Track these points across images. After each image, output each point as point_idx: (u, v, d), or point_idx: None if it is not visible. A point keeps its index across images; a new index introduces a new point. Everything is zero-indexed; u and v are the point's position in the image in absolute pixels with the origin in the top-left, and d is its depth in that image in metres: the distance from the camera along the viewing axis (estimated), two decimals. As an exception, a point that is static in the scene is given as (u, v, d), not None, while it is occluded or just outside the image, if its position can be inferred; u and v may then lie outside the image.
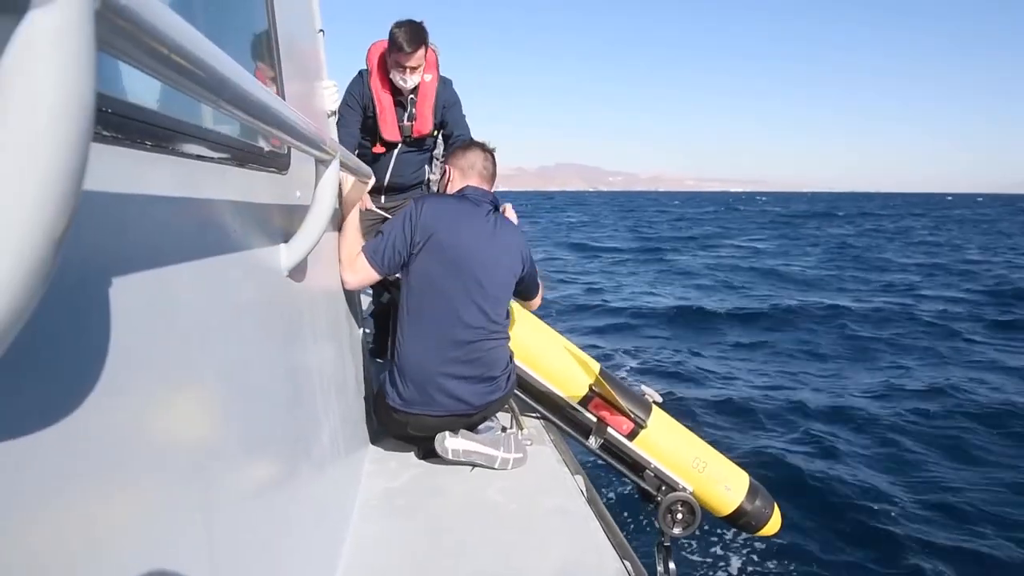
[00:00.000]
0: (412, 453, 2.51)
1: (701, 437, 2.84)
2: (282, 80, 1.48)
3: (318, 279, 1.85)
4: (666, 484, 2.68)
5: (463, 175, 2.51)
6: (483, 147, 2.60)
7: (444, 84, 3.27)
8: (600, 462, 2.83)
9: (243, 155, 1.15)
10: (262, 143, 1.22)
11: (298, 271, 1.47)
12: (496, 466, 2.35)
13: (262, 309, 1.23)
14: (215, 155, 1.02)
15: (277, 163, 1.35)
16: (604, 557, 1.77)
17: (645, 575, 1.74)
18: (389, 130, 3.24)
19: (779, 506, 2.83)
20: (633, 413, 2.65)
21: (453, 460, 2.33)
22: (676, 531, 2.67)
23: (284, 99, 1.45)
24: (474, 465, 2.38)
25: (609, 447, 2.74)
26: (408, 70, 3.05)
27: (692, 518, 2.65)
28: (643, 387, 2.80)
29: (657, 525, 2.71)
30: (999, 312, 12.44)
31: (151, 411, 0.75)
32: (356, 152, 3.17)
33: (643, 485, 2.72)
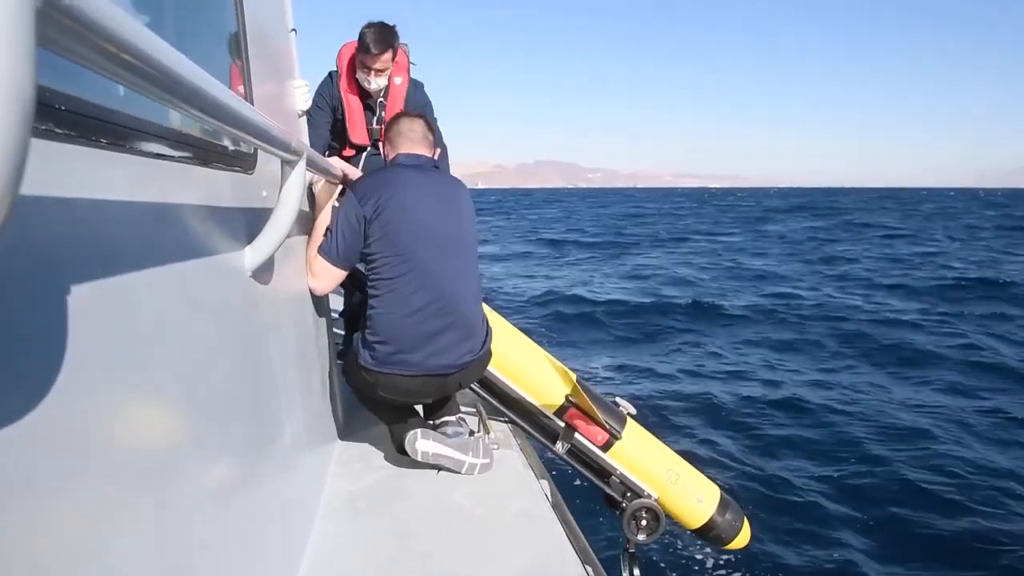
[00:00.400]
0: (379, 455, 2.49)
1: (669, 445, 2.87)
2: (250, 79, 1.48)
3: (285, 281, 1.84)
4: (631, 491, 2.70)
5: (393, 146, 2.47)
6: (407, 113, 2.59)
7: (415, 87, 3.26)
8: (568, 468, 2.84)
9: (206, 154, 1.14)
10: (227, 142, 1.21)
11: (263, 272, 1.46)
12: (463, 471, 2.35)
13: (223, 310, 1.23)
14: (176, 154, 1.01)
15: (242, 163, 1.34)
16: (567, 562, 1.78)
17: None
18: (358, 133, 3.23)
19: (748, 519, 2.87)
20: (608, 424, 2.66)
21: (421, 462, 2.32)
22: (640, 537, 2.69)
23: (252, 97, 1.44)
24: (440, 468, 2.37)
25: (576, 453, 2.75)
26: (374, 72, 3.02)
27: (656, 524, 2.67)
28: (617, 399, 2.81)
29: (621, 531, 2.73)
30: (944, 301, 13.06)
31: (105, 412, 0.74)
32: (326, 154, 3.15)
33: (608, 491, 2.73)
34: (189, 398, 1.01)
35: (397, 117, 2.55)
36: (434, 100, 3.33)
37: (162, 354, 0.91)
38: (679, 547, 4.46)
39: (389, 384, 2.30)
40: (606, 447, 2.68)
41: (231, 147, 1.25)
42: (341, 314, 3.67)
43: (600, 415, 2.63)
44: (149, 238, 0.91)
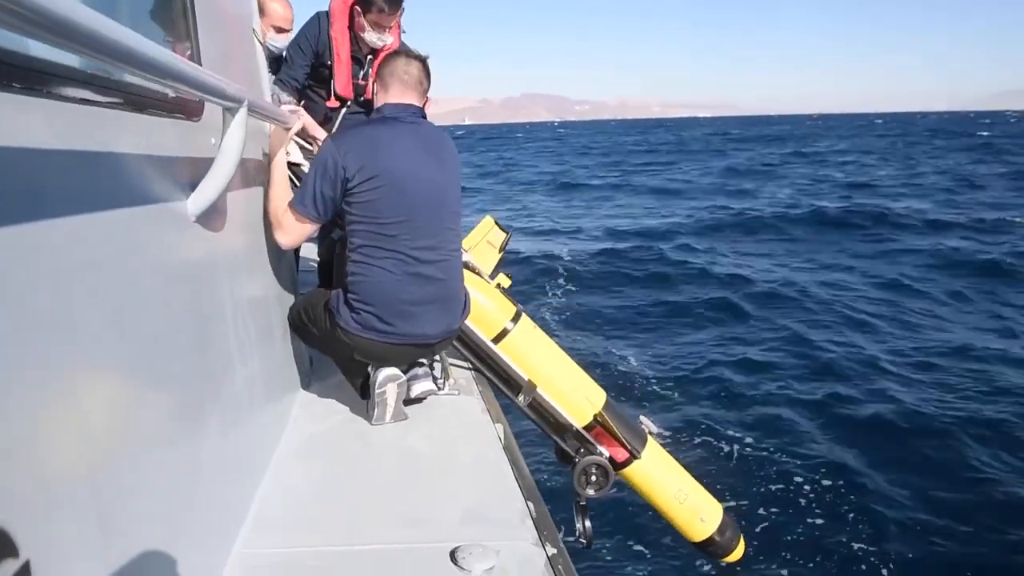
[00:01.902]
0: (342, 400, 2.52)
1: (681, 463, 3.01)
2: (196, 25, 1.43)
3: (240, 229, 1.83)
4: (585, 447, 2.76)
5: (384, 88, 2.33)
6: (407, 53, 2.45)
7: (402, 47, 3.15)
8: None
9: (141, 100, 1.11)
10: (167, 89, 1.17)
11: (211, 220, 1.45)
12: (417, 392, 2.46)
13: (164, 256, 1.22)
14: (108, 100, 0.97)
15: (185, 110, 1.31)
16: (511, 499, 1.84)
17: (548, 516, 1.81)
18: (344, 84, 3.13)
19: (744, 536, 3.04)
20: (630, 444, 2.79)
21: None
22: (590, 492, 2.77)
23: (199, 43, 1.41)
24: (406, 403, 2.43)
25: (536, 406, 2.79)
26: (387, 30, 2.99)
27: (605, 481, 2.75)
28: (642, 418, 2.94)
29: (572, 485, 2.80)
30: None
31: (31, 361, 0.75)
32: (302, 103, 3.09)
33: (563, 446, 2.79)
34: (122, 342, 1.01)
35: (395, 55, 2.41)
36: (416, 36, 3.48)
37: (93, 300, 0.91)
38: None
39: (367, 348, 2.26)
40: (624, 464, 2.84)
41: (171, 94, 1.21)
42: (318, 253, 3.61)
43: (623, 435, 2.77)
44: (79, 185, 0.89)
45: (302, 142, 2.70)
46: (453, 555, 1.53)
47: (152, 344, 1.13)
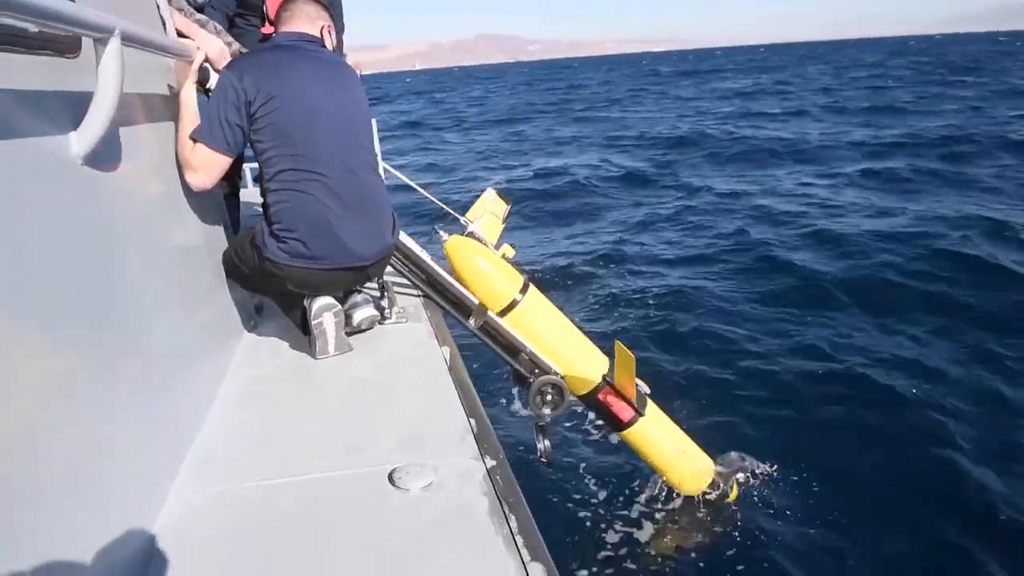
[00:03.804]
0: (288, 342, 2.44)
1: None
2: None
3: (146, 170, 1.75)
4: (539, 367, 2.75)
5: (280, 22, 2.29)
6: None
7: None
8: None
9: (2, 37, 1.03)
10: (26, 24, 1.07)
11: (104, 162, 1.38)
12: (358, 318, 2.43)
13: (47, 199, 1.16)
14: None
15: (55, 45, 1.22)
16: (453, 418, 1.83)
17: (490, 431, 1.80)
18: (276, 7, 2.87)
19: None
20: (636, 403, 2.96)
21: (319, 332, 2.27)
22: (545, 411, 2.78)
23: None
24: (353, 334, 2.39)
25: (487, 330, 2.76)
26: None
27: (560, 400, 2.76)
28: (636, 381, 2.96)
29: (527, 405, 2.81)
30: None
31: None
32: (232, 29, 2.91)
33: (517, 367, 2.78)
34: (8, 301, 0.96)
35: None
36: None
37: None
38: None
39: (300, 278, 2.19)
40: (630, 424, 3.00)
41: (32, 28, 1.11)
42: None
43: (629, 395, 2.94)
44: None
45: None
46: (391, 476, 1.54)
47: (44, 301, 1.08)
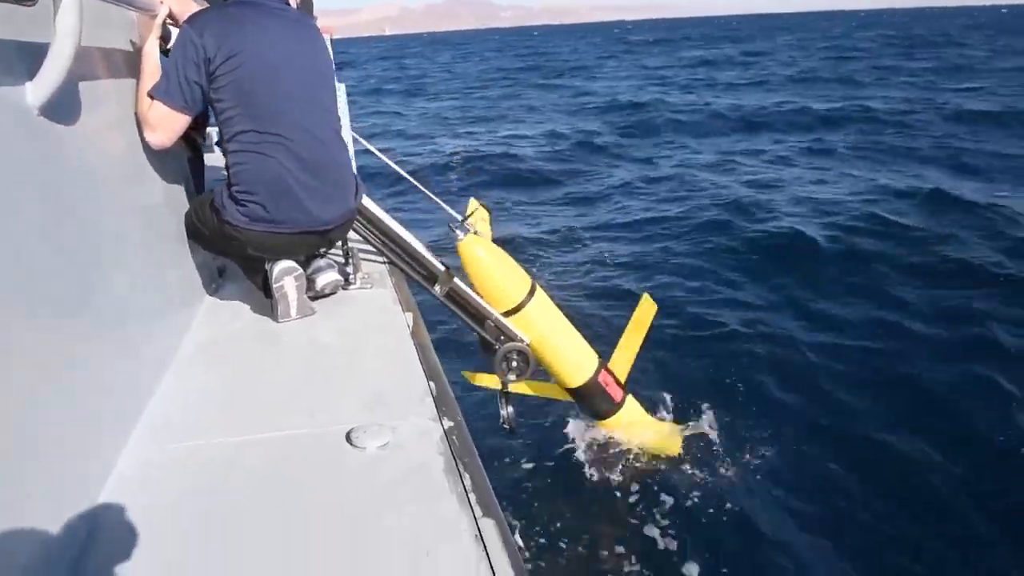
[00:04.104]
0: (250, 303, 2.41)
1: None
2: None
3: (107, 125, 1.71)
4: (505, 334, 2.78)
5: None
6: None
7: None
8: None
9: None
10: None
11: (61, 114, 1.35)
12: (321, 283, 2.42)
13: (4, 148, 1.14)
14: None
15: None
16: (413, 381, 1.85)
17: (449, 393, 1.82)
18: None
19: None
20: (624, 384, 3.31)
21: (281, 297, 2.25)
22: (511, 377, 2.82)
23: None
24: (316, 299, 2.38)
25: (454, 296, 2.76)
26: None
27: (526, 366, 2.80)
28: None
29: (494, 371, 2.86)
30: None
31: None
32: None
33: (483, 334, 2.80)
34: None
35: None
36: None
37: None
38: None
39: (259, 241, 2.15)
40: (620, 405, 3.27)
41: None
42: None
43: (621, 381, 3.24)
44: None
45: None
46: (349, 436, 1.56)
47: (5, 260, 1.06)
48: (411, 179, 3.36)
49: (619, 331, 3.57)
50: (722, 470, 3.40)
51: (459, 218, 3.02)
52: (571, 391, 3.21)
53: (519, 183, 10.11)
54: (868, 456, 3.48)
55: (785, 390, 4.14)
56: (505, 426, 2.96)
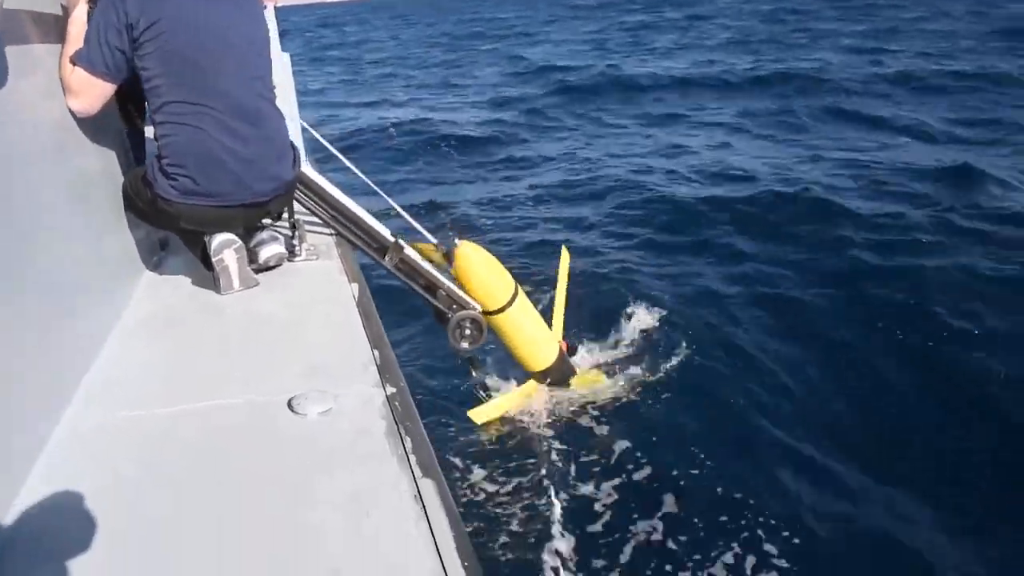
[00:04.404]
0: (191, 276, 2.34)
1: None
2: None
3: (38, 93, 1.67)
4: (457, 303, 2.78)
5: None
6: None
7: None
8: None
9: None
10: None
11: None
12: (265, 255, 2.37)
13: None
14: None
15: None
16: (357, 349, 1.85)
17: (393, 360, 1.83)
18: None
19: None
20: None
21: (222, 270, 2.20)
22: (464, 345, 2.83)
23: None
24: (260, 271, 2.34)
25: (404, 267, 2.73)
26: None
27: (479, 335, 2.82)
28: None
29: (449, 340, 2.86)
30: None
31: None
32: None
33: (436, 304, 2.79)
34: None
35: None
36: None
37: None
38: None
39: (193, 215, 2.08)
40: (571, 353, 3.63)
41: None
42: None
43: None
44: None
45: None
46: (290, 403, 1.55)
47: None
48: (384, 195, 3.26)
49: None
50: (644, 412, 3.51)
51: (433, 240, 3.07)
52: (538, 374, 3.37)
53: (457, 149, 10.05)
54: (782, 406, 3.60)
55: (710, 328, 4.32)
56: (481, 391, 3.12)
